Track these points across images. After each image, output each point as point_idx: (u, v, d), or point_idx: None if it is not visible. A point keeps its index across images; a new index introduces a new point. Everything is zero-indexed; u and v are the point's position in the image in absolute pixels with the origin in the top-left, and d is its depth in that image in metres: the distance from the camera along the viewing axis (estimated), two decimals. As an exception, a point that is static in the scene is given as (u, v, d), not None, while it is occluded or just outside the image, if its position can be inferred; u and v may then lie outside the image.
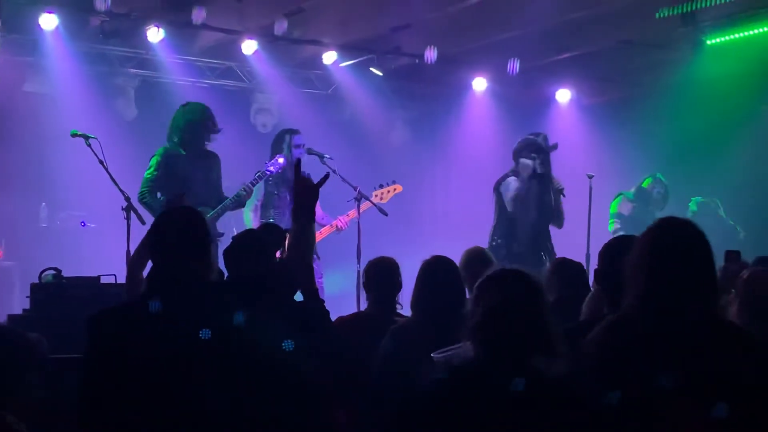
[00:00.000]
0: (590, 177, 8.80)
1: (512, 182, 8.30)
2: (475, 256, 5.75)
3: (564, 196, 8.27)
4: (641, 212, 9.30)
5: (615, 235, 8.83)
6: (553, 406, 2.81)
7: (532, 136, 8.46)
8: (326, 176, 4.09)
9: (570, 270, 5.10)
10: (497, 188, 8.39)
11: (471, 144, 11.62)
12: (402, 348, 4.26)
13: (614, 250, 3.77)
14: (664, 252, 3.12)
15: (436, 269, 4.58)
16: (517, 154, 8.39)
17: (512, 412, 2.79)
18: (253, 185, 7.62)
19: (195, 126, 7.51)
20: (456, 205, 11.84)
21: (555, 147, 8.43)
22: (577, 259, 5.48)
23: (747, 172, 9.64)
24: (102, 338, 3.28)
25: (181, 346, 3.16)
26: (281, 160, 7.94)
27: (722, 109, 10.06)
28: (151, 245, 3.51)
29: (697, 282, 3.09)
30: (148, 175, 7.40)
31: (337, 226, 8.26)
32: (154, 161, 7.42)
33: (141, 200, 7.28)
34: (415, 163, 11.86)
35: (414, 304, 4.54)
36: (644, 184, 9.86)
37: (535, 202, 8.25)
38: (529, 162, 8.18)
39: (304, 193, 3.88)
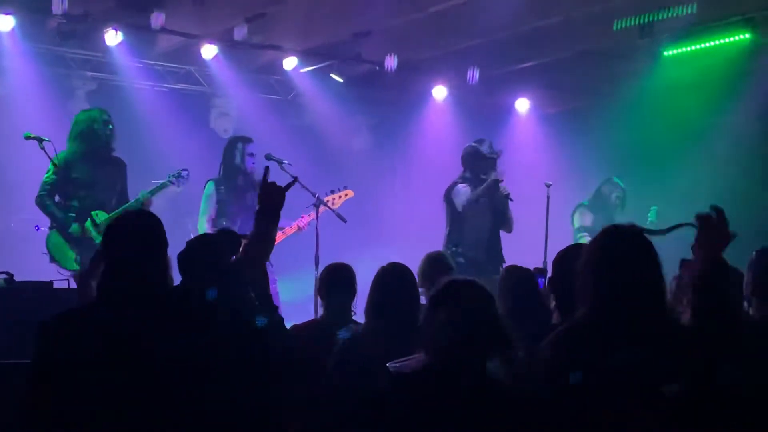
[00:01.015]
0: (548, 185, 8.85)
1: (462, 188, 8.39)
2: (434, 261, 5.75)
3: (511, 200, 8.35)
4: (603, 219, 9.34)
5: None
6: (502, 410, 2.82)
7: (476, 144, 8.52)
8: (294, 181, 4.11)
9: (520, 277, 5.10)
10: (447, 196, 8.47)
11: (431, 151, 11.64)
12: (353, 356, 4.24)
13: (565, 259, 3.80)
14: (610, 260, 3.14)
15: (391, 276, 4.57)
16: (465, 161, 8.48)
17: (462, 417, 2.79)
18: (157, 192, 7.53)
19: (88, 133, 7.51)
20: (416, 212, 11.84)
21: (500, 153, 8.50)
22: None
23: (700, 182, 9.75)
24: (51, 344, 3.24)
25: (128, 356, 3.13)
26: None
27: (678, 119, 10.19)
28: (103, 249, 3.47)
29: (644, 288, 3.11)
30: (46, 179, 7.43)
31: (298, 227, 8.24)
32: (51, 165, 7.38)
33: (38, 203, 7.38)
34: (375, 170, 11.86)
35: (367, 311, 4.53)
36: (601, 189, 9.84)
37: (486, 207, 8.34)
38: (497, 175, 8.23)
39: (270, 198, 3.88)
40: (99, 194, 7.50)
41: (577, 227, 9.67)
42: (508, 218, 8.42)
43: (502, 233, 8.52)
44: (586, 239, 9.40)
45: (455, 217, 8.37)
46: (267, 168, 4.06)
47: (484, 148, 8.42)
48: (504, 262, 8.24)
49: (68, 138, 7.57)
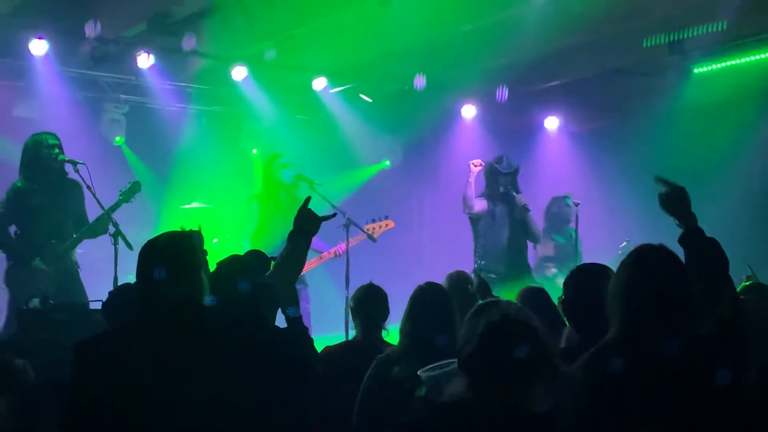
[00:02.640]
0: (577, 205, 8.82)
1: (478, 201, 8.40)
2: (457, 281, 5.72)
3: (529, 211, 8.33)
4: (562, 243, 9.24)
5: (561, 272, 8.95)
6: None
7: (493, 162, 8.51)
8: (334, 214, 4.25)
9: (536, 296, 5.07)
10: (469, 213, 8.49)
11: (460, 170, 11.61)
12: (387, 377, 4.23)
13: (577, 279, 3.82)
14: (640, 279, 3.13)
15: (426, 296, 4.55)
16: (485, 178, 8.50)
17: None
18: (113, 211, 7.24)
19: (31, 161, 7.34)
20: (444, 232, 11.84)
21: (518, 168, 8.51)
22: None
23: (732, 200, 9.67)
24: (88, 366, 3.26)
25: (164, 376, 3.15)
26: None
27: (709, 136, 10.13)
28: (138, 270, 3.48)
29: (675, 306, 3.09)
30: None
31: (336, 253, 8.27)
32: (4, 197, 7.29)
33: None
34: (404, 189, 11.87)
35: (402, 330, 4.52)
36: (550, 210, 9.61)
37: (504, 222, 8.35)
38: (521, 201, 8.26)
39: (307, 222, 3.94)
40: (55, 219, 7.33)
41: (539, 258, 9.45)
42: (532, 230, 8.42)
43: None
44: (551, 271, 9.29)
45: (478, 233, 8.41)
46: (309, 198, 4.22)
47: (503, 165, 8.42)
48: (531, 272, 8.30)
49: (19, 166, 7.40)
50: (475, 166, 8.31)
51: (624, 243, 9.29)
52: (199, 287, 3.46)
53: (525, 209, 8.31)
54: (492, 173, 8.44)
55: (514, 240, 8.39)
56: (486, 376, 2.84)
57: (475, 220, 8.40)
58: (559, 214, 9.56)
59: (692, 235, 3.52)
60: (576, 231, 8.94)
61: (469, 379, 2.85)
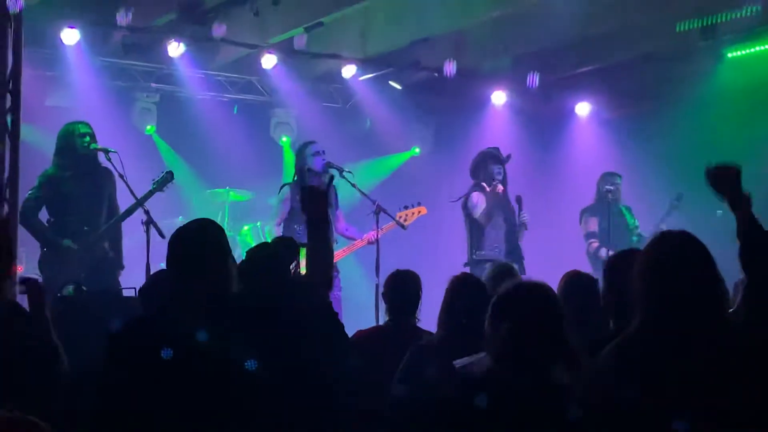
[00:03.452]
0: (609, 191, 8.77)
1: (476, 196, 8.52)
2: (501, 272, 5.70)
3: (526, 229, 8.60)
4: (603, 220, 9.14)
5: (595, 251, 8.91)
6: (565, 416, 2.80)
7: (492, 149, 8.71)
8: (331, 178, 4.14)
9: (582, 283, 5.04)
10: (465, 206, 8.57)
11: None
12: (425, 366, 4.22)
13: (617, 265, 3.78)
14: (662, 267, 3.07)
15: (464, 287, 4.54)
16: (478, 167, 8.69)
17: (526, 421, 2.78)
18: (146, 200, 7.28)
19: (64, 149, 7.39)
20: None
21: (509, 158, 8.70)
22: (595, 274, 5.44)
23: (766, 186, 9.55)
24: (121, 351, 3.29)
25: (195, 363, 3.17)
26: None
27: (742, 121, 10.00)
28: (168, 257, 3.50)
29: (699, 295, 3.03)
30: (29, 196, 7.29)
31: (368, 240, 8.27)
32: (37, 183, 7.33)
33: (21, 221, 7.09)
34: (433, 177, 11.85)
35: (441, 322, 4.50)
36: (598, 187, 9.46)
37: (500, 212, 8.50)
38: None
39: (313, 205, 3.90)
40: (88, 207, 7.38)
41: (584, 234, 9.39)
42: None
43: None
44: (593, 246, 9.20)
45: (474, 225, 8.50)
46: (305, 187, 4.12)
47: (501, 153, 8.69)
48: (523, 259, 8.45)
49: (53, 155, 7.47)
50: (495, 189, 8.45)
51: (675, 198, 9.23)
52: (228, 274, 3.47)
53: (523, 226, 8.55)
54: (493, 157, 8.61)
55: (513, 230, 8.54)
56: (516, 358, 2.87)
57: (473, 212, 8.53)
58: (608, 190, 9.41)
59: (750, 226, 3.23)
60: (627, 207, 8.94)
61: (500, 361, 2.88)
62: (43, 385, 3.69)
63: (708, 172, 3.37)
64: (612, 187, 9.26)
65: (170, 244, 3.48)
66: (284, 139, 11.28)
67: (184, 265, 3.39)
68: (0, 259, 1.83)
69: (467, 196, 8.58)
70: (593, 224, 9.28)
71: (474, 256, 8.38)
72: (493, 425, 2.81)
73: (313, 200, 3.91)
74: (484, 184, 8.55)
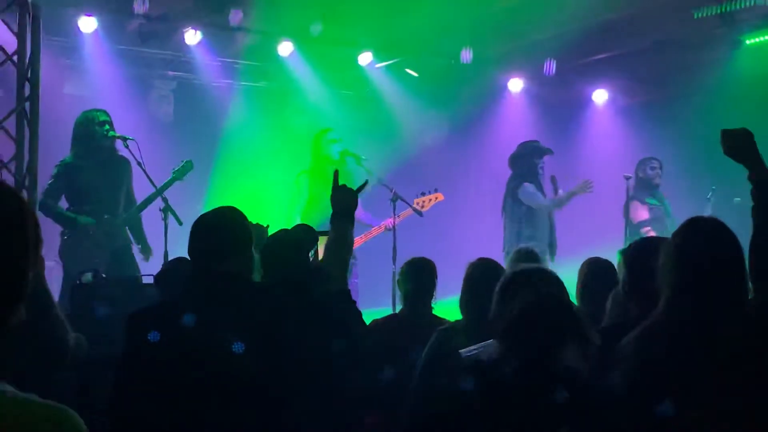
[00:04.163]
0: (627, 178, 8.76)
1: (528, 186, 8.60)
2: (523, 257, 5.68)
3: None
4: (655, 205, 9.08)
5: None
6: (578, 399, 2.82)
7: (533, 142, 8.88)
8: (365, 182, 4.16)
9: (600, 269, 5.03)
10: (513, 193, 8.60)
11: (506, 144, 11.54)
12: (449, 351, 4.21)
13: (638, 252, 3.77)
14: (688, 254, 3.05)
15: (483, 272, 4.53)
16: (521, 159, 8.77)
17: (548, 413, 2.79)
18: (165, 189, 7.32)
19: (82, 137, 7.39)
20: (490, 207, 11.80)
21: (550, 152, 8.89)
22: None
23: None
24: (139, 336, 3.32)
25: (214, 349, 3.19)
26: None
27: (760, 109, 9.94)
28: (190, 244, 3.51)
29: (724, 283, 3.01)
30: (50, 186, 7.30)
31: (386, 227, 8.29)
32: (55, 172, 7.35)
33: (41, 209, 7.07)
34: (450, 164, 11.84)
35: (464, 307, 4.48)
36: (638, 174, 9.33)
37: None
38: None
39: (343, 200, 3.94)
40: (107, 196, 7.40)
41: (635, 224, 9.15)
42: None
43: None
44: (645, 230, 9.11)
45: (525, 213, 8.54)
46: (336, 171, 4.14)
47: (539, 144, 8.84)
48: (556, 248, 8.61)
49: (71, 143, 7.47)
50: None
51: (709, 194, 9.15)
52: (248, 262, 3.49)
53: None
54: (538, 150, 8.69)
55: (551, 221, 8.67)
56: (527, 342, 2.89)
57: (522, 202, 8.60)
58: (645, 177, 9.29)
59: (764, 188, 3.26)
60: (627, 205, 8.91)
61: (511, 347, 2.90)
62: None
63: (722, 139, 3.45)
64: (659, 171, 9.25)
65: (193, 231, 3.50)
66: (300, 126, 11.29)
67: (206, 252, 3.41)
68: (35, 248, 1.84)
69: (519, 185, 8.60)
70: (643, 212, 9.13)
71: (521, 245, 8.30)
72: (500, 411, 2.82)
73: (344, 196, 3.98)
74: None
